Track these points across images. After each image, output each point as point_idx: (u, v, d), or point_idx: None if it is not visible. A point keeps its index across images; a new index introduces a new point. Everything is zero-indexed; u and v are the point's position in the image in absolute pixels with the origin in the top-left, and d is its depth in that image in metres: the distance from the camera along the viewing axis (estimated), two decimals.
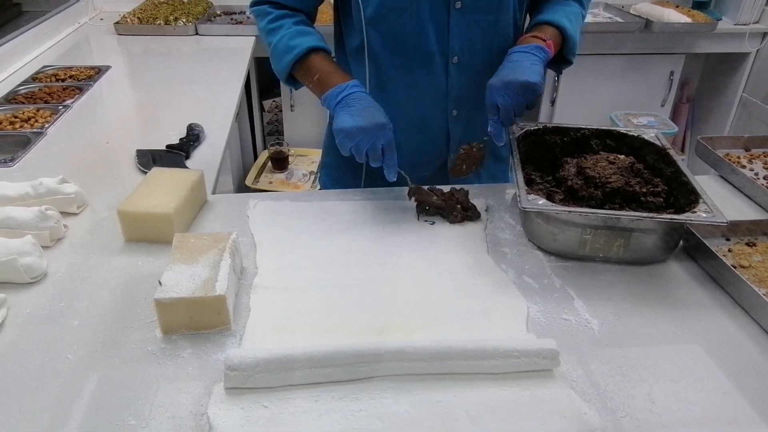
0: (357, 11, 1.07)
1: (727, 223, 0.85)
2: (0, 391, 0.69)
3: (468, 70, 1.11)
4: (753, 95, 2.74)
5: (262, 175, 2.60)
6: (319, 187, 1.41)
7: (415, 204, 1.06)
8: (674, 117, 3.09)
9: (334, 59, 1.14)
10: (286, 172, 2.61)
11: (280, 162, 2.60)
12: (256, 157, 2.76)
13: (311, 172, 2.62)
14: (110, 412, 0.66)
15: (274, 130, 2.97)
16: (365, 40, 1.09)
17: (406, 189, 1.08)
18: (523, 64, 0.99)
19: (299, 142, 2.82)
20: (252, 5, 1.12)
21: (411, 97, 1.14)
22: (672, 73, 2.76)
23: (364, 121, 0.96)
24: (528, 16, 1.20)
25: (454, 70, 1.11)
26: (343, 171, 1.29)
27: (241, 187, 2.49)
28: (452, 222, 1.04)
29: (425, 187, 1.07)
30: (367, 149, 0.97)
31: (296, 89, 1.16)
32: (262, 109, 2.87)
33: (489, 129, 1.02)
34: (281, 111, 2.82)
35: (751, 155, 1.30)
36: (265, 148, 2.81)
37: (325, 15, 2.37)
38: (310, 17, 1.14)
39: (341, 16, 1.15)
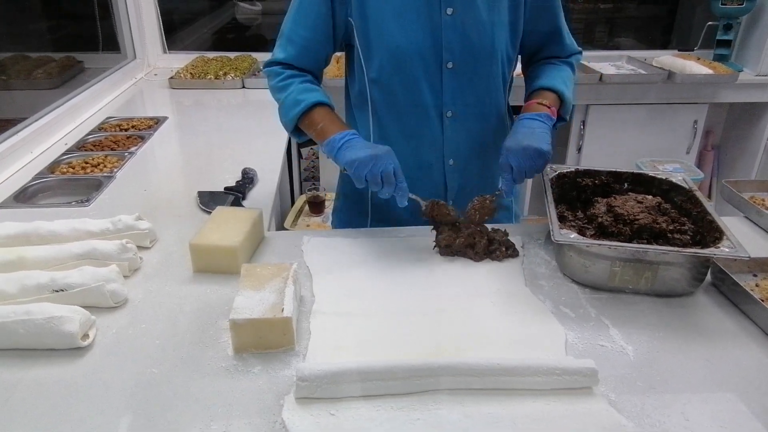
0: (360, 71, 1.21)
1: (749, 257, 0.91)
2: (99, 399, 0.78)
3: (462, 123, 1.23)
4: None
5: (300, 218, 2.72)
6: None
7: (431, 229, 1.13)
8: (700, 164, 3.14)
9: (336, 111, 1.22)
10: (322, 216, 2.72)
11: (316, 206, 2.72)
12: (293, 201, 2.90)
13: None
14: (195, 417, 0.75)
15: (311, 176, 3.11)
16: (368, 94, 1.23)
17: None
18: (536, 132, 1.11)
19: (335, 187, 2.95)
20: (265, 66, 1.24)
21: (410, 146, 1.24)
22: (696, 121, 2.83)
23: (373, 149, 1.06)
24: (522, 71, 1.33)
25: (448, 123, 1.22)
26: (352, 214, 1.41)
27: (280, 229, 2.61)
28: (493, 259, 1.12)
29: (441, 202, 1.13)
30: (382, 173, 1.04)
31: (299, 141, 1.26)
32: (300, 156, 3.03)
33: (501, 186, 1.11)
34: (318, 158, 2.97)
35: None
36: (302, 193, 2.95)
37: (340, 70, 2.57)
38: (317, 78, 1.25)
39: (349, 72, 1.28)
